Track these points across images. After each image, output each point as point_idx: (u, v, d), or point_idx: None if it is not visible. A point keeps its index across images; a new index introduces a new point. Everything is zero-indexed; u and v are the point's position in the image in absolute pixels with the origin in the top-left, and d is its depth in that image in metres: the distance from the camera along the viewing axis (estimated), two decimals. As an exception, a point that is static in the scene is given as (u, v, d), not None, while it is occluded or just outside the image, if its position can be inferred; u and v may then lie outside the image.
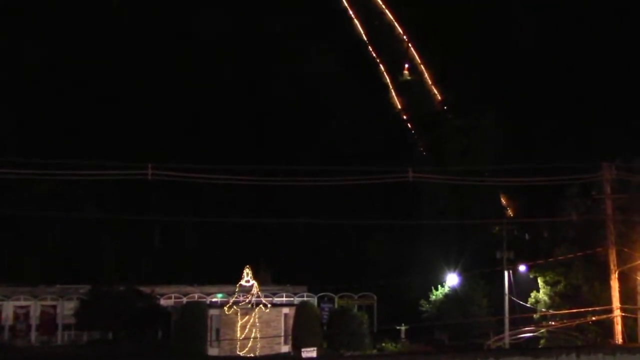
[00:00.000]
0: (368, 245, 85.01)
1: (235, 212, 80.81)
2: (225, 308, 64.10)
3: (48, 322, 72.59)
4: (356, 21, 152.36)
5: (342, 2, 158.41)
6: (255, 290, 65.53)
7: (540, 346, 60.15)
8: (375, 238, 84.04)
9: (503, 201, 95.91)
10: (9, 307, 71.82)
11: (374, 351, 64.68)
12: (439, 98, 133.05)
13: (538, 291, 64.59)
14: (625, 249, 53.27)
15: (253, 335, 63.47)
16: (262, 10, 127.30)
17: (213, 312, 65.01)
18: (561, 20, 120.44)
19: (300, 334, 64.17)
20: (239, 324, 63.64)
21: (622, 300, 50.04)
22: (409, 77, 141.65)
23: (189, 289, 76.76)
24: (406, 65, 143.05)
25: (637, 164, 57.46)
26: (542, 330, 62.83)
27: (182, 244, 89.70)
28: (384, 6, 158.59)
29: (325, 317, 71.03)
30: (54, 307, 73.06)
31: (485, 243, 71.30)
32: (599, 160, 50.88)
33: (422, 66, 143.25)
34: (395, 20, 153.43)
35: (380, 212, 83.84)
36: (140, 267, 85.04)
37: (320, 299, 76.53)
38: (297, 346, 63.05)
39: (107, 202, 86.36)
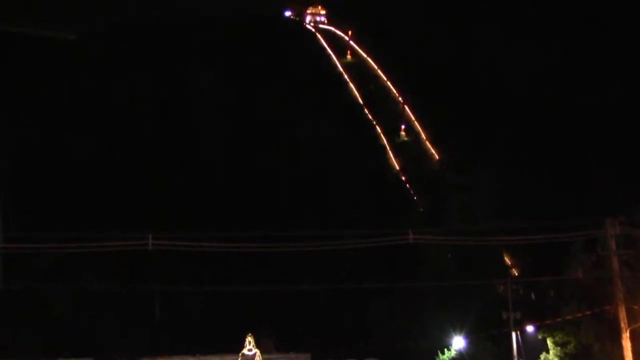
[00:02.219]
0: (371, 308, 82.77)
1: (236, 279, 79.00)
2: (228, 379, 61.62)
3: (50, 398, 69.95)
4: (352, 85, 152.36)
5: (337, 67, 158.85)
6: (258, 359, 62.92)
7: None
8: (378, 301, 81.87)
9: (507, 260, 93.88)
10: (11, 384, 69.22)
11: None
12: (437, 157, 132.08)
13: (548, 352, 61.81)
14: (635, 306, 50.68)
15: (257, 406, 60.69)
16: (257, 76, 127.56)
17: (216, 383, 62.53)
18: (555, 73, 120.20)
19: (305, 403, 61.58)
20: (242, 395, 60.90)
21: (635, 359, 47.39)
22: (405, 138, 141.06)
23: (190, 359, 74.02)
24: (402, 127, 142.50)
25: (641, 218, 55.39)
26: (554, 394, 59.93)
27: (182, 313, 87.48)
28: (378, 69, 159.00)
29: (330, 384, 68.30)
30: (56, 382, 70.61)
31: (491, 303, 69.03)
32: (602, 215, 48.82)
33: (418, 126, 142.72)
34: (390, 83, 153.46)
35: (382, 274, 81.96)
36: (141, 337, 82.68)
37: (324, 366, 73.71)
38: (302, 416, 60.36)
39: (107, 273, 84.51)
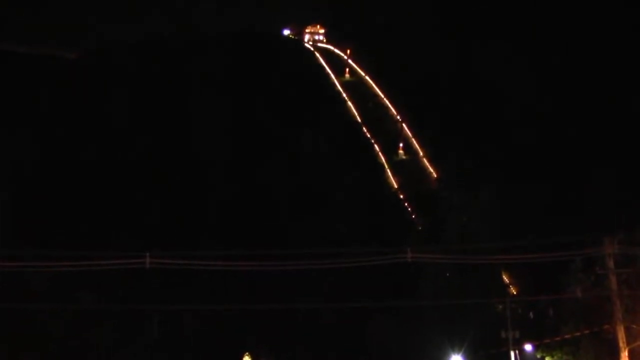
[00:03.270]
0: (371, 326, 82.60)
1: (235, 297, 78.89)
2: (226, 398, 61.37)
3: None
4: (350, 104, 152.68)
5: (336, 85, 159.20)
6: (256, 378, 62.77)
7: None
8: (377, 320, 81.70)
9: (506, 279, 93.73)
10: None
11: None
12: (435, 175, 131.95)
13: (546, 371, 61.61)
14: (634, 325, 50.50)
15: None
16: (256, 95, 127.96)
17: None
18: (554, 89, 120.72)
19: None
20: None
21: (635, 379, 47.18)
22: (404, 156, 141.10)
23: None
24: (400, 145, 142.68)
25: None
26: (553, 414, 59.67)
27: (180, 330, 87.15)
28: (377, 88, 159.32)
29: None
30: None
31: (490, 322, 68.88)
32: (601, 234, 48.67)
33: (416, 144, 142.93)
34: (389, 101, 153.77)
35: (382, 293, 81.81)
36: (140, 355, 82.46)
37: (323, 385, 73.47)
38: None
39: (105, 291, 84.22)
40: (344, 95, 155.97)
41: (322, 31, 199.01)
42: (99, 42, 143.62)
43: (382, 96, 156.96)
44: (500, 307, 66.70)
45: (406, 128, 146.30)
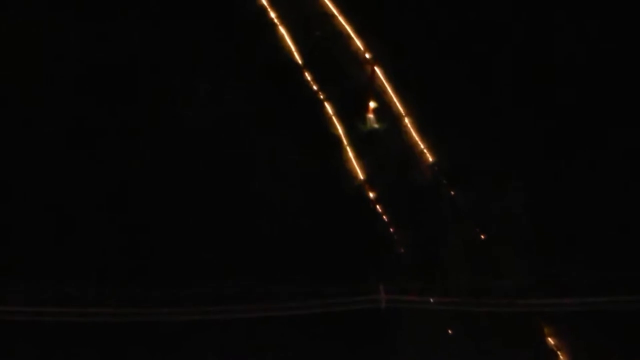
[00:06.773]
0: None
1: None
2: None
3: None
4: (282, 30, 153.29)
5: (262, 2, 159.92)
6: None
7: None
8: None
9: (551, 342, 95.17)
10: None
11: None
12: (428, 158, 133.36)
13: None
14: None
15: None
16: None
17: None
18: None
19: None
20: None
21: None
22: (375, 125, 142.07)
23: None
24: (371, 104, 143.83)
25: None
26: None
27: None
28: (330, 4, 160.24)
29: None
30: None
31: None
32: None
33: (397, 104, 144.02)
34: (351, 29, 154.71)
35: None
36: None
37: None
38: None
39: None
40: (272, 15, 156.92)
41: None
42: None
43: (340, 18, 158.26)
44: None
45: (381, 75, 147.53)
